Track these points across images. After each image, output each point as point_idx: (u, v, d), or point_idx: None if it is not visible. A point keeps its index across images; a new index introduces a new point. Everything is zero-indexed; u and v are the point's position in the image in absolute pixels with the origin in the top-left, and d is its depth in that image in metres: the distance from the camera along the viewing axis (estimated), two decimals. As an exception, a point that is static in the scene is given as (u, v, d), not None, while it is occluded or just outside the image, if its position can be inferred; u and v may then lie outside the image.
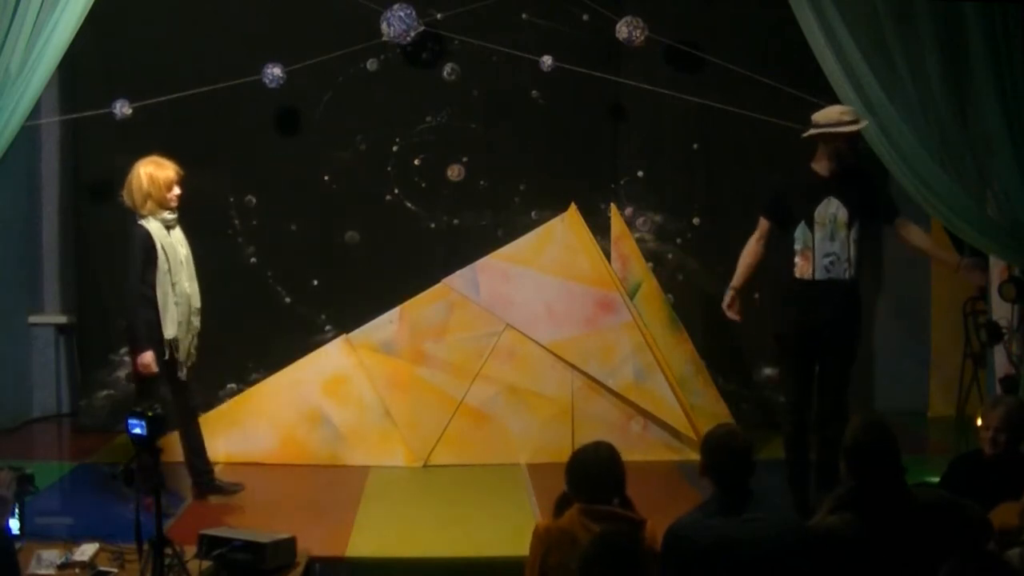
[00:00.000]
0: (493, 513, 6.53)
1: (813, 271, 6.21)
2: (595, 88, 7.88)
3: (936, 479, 5.31)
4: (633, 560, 3.72)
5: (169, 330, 6.32)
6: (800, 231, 6.24)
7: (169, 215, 6.40)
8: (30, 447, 7.99)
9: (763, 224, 6.45)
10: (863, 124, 6.21)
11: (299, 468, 7.38)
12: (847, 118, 6.14)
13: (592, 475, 4.39)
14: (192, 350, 6.53)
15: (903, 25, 6.50)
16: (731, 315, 6.54)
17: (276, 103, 7.92)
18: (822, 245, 6.20)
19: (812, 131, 6.19)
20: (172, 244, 6.38)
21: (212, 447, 7.30)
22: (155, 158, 6.41)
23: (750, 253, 6.50)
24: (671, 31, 7.85)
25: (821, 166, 6.24)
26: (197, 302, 6.52)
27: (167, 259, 6.32)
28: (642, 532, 4.28)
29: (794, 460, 6.31)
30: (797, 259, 6.25)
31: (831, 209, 6.19)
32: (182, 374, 6.48)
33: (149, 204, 6.33)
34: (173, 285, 6.34)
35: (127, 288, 6.35)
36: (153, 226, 6.34)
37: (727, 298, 6.51)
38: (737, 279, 6.51)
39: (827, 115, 6.18)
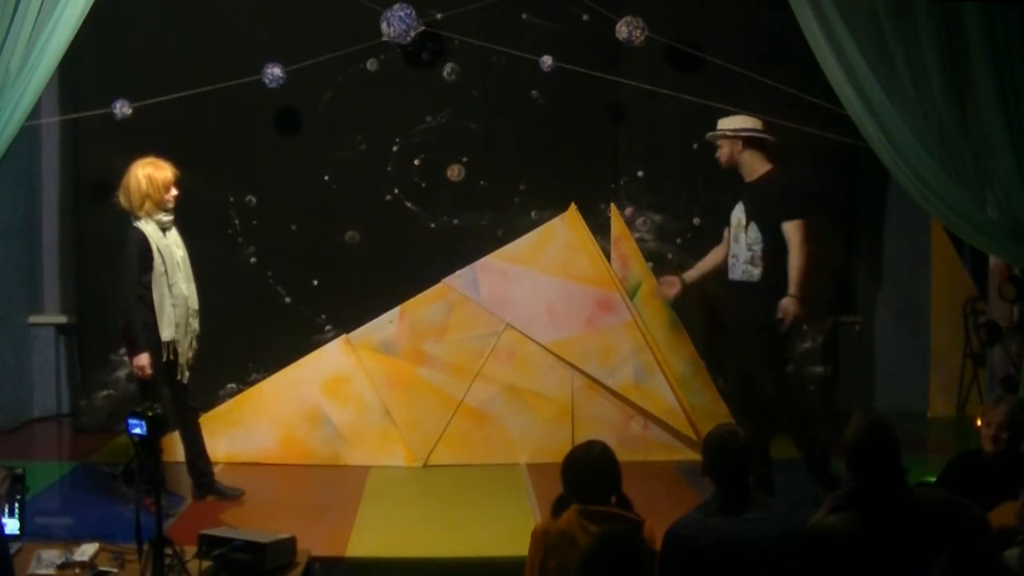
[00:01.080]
0: (493, 513, 6.53)
1: (728, 271, 6.68)
2: (595, 88, 7.87)
3: (934, 479, 5.30)
4: (634, 560, 3.72)
5: (166, 332, 6.31)
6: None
7: (165, 216, 6.39)
8: (30, 447, 7.99)
9: (725, 231, 6.83)
10: (712, 134, 6.72)
11: (299, 468, 7.38)
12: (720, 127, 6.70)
13: (587, 475, 4.39)
14: (191, 352, 6.52)
15: (903, 25, 6.50)
16: (663, 290, 7.11)
17: (276, 103, 7.91)
18: (731, 247, 6.65)
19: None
20: (168, 246, 6.37)
21: (212, 447, 7.30)
22: (151, 159, 6.40)
23: (712, 254, 6.97)
24: (671, 31, 7.84)
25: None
26: (195, 304, 6.51)
27: (163, 261, 6.30)
28: (641, 532, 4.28)
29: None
30: None
31: (738, 213, 6.60)
32: (182, 377, 6.46)
33: (147, 204, 6.32)
34: (170, 287, 6.32)
35: (123, 291, 6.33)
36: (149, 228, 6.32)
37: (672, 277, 7.00)
38: (691, 274, 7.05)
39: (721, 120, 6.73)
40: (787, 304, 6.39)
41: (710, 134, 6.76)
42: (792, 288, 6.42)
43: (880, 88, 6.48)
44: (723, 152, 6.67)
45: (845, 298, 8.79)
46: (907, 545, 4.05)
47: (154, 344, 6.30)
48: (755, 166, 6.59)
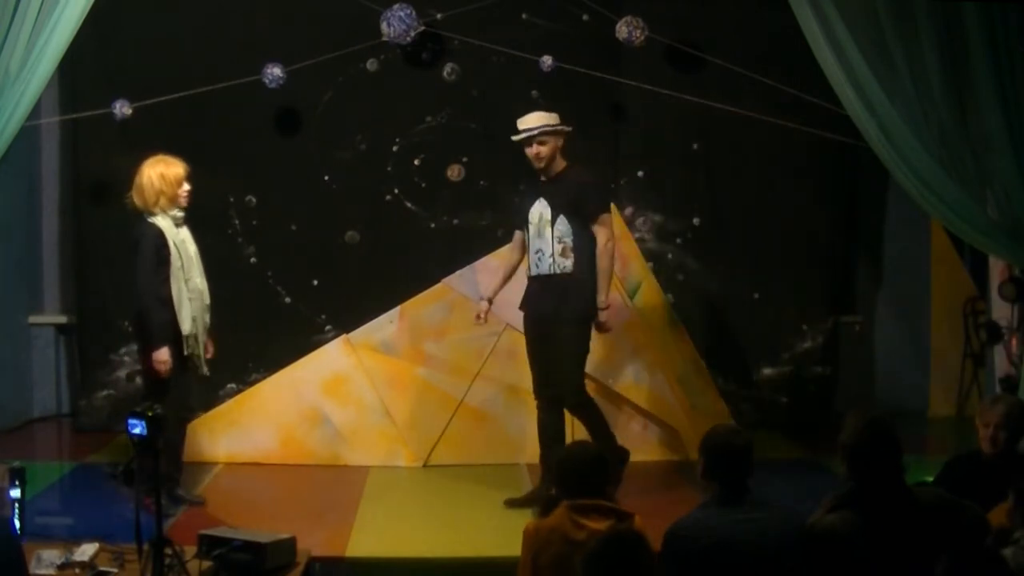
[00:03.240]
0: (493, 513, 6.53)
1: (529, 267, 6.65)
2: (595, 88, 7.87)
3: (932, 479, 5.29)
4: (638, 560, 3.71)
5: (185, 326, 6.30)
6: (524, 232, 6.69)
7: (179, 212, 6.39)
8: (30, 447, 7.99)
9: (516, 234, 6.83)
10: (522, 135, 6.51)
11: (299, 468, 7.39)
12: (523, 127, 6.54)
13: (580, 472, 4.40)
14: (206, 345, 6.51)
15: (903, 25, 6.50)
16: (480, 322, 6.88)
17: (276, 103, 7.92)
18: (532, 243, 6.62)
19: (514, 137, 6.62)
20: (183, 241, 6.37)
21: (212, 447, 7.35)
22: (162, 157, 6.39)
23: (501, 260, 6.96)
24: (671, 31, 7.84)
25: (538, 171, 6.65)
26: (208, 299, 6.50)
27: (179, 256, 6.30)
28: (635, 527, 4.28)
29: (546, 439, 6.68)
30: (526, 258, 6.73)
31: (539, 209, 6.57)
32: (204, 370, 6.46)
33: (162, 201, 6.30)
34: (186, 281, 6.32)
35: (140, 286, 6.31)
36: (164, 224, 6.32)
37: (482, 311, 6.81)
38: (491, 290, 6.85)
39: (522, 121, 6.59)
40: (606, 319, 6.60)
41: (536, 131, 6.49)
42: (604, 296, 6.57)
43: (880, 88, 6.47)
44: (547, 148, 6.52)
45: (845, 298, 8.80)
46: (906, 545, 4.04)
47: (174, 339, 6.30)
48: (560, 161, 6.62)
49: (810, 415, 8.35)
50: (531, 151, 6.54)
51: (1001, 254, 7.05)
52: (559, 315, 6.54)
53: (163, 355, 6.26)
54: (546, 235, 6.53)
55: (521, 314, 7.56)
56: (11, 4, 6.01)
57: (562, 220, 6.50)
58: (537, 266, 6.58)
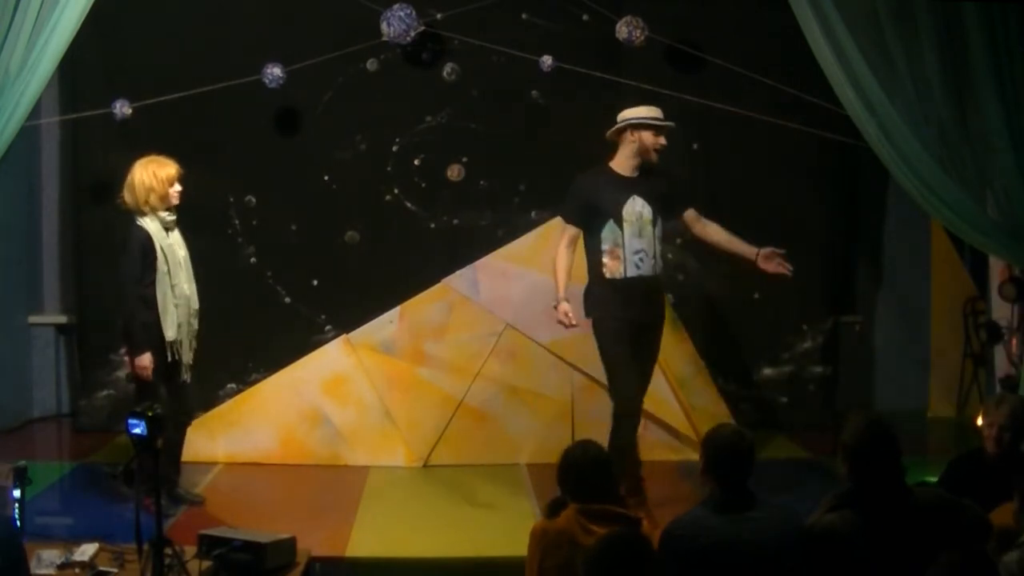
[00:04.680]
0: (493, 513, 6.53)
1: (624, 269, 6.25)
2: (595, 88, 7.87)
3: (935, 479, 5.30)
4: (640, 561, 3.71)
5: (169, 332, 6.27)
6: (608, 230, 6.28)
7: (169, 215, 6.36)
8: (30, 447, 7.99)
9: (571, 230, 6.41)
10: (660, 123, 6.29)
11: (299, 468, 7.39)
12: (655, 113, 6.31)
13: (586, 475, 4.39)
14: (191, 352, 6.49)
15: (903, 25, 6.50)
16: (568, 322, 6.36)
17: (276, 103, 7.92)
18: (631, 242, 6.25)
19: (620, 124, 6.32)
20: (171, 245, 6.34)
21: (212, 447, 7.34)
22: (154, 157, 6.38)
23: (564, 261, 6.40)
24: (671, 31, 7.84)
25: (622, 165, 6.34)
26: (196, 304, 6.47)
27: (166, 260, 6.28)
28: (641, 531, 4.27)
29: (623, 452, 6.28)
30: (606, 259, 6.29)
31: (637, 207, 6.27)
32: (186, 376, 6.44)
33: (152, 199, 6.28)
34: (172, 287, 6.29)
35: (125, 290, 6.30)
36: (152, 227, 6.31)
37: (562, 312, 6.32)
38: (561, 290, 6.36)
39: (634, 111, 6.33)
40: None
41: (667, 123, 6.34)
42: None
43: (880, 88, 6.47)
44: (653, 141, 6.30)
45: (845, 298, 8.80)
46: (906, 544, 4.05)
47: (156, 344, 6.28)
48: (650, 158, 6.39)
49: (810, 415, 8.35)
50: (658, 140, 6.28)
51: (1001, 254, 7.05)
52: (656, 319, 6.41)
53: (145, 360, 6.23)
54: (647, 234, 6.26)
55: (521, 314, 7.57)
56: (11, 4, 6.00)
57: (661, 220, 6.32)
58: (638, 267, 6.25)
